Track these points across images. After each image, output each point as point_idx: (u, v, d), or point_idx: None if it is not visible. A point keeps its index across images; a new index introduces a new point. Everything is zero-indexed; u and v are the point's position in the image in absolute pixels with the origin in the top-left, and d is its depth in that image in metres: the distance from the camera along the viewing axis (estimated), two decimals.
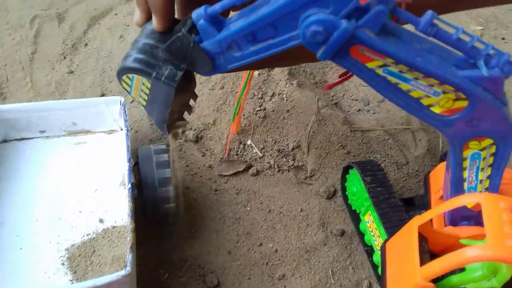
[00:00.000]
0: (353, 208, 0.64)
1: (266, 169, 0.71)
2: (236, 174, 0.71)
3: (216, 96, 0.76)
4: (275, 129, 0.73)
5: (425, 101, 0.41)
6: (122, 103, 0.65)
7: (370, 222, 0.58)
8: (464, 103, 0.39)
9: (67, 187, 0.60)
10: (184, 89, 0.43)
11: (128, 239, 0.47)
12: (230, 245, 0.62)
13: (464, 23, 1.08)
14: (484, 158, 0.44)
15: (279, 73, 0.79)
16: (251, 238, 0.63)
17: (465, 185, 0.46)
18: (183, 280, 0.57)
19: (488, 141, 0.42)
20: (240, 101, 0.67)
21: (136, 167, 0.59)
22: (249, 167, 0.71)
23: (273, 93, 0.77)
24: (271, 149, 0.72)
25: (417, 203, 0.62)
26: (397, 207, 0.56)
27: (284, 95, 0.76)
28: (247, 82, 0.64)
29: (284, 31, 0.37)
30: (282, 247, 0.62)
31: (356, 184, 0.62)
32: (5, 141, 0.66)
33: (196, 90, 0.81)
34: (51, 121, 0.67)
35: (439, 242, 0.46)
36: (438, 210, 0.43)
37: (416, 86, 0.40)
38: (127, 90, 0.44)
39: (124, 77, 0.42)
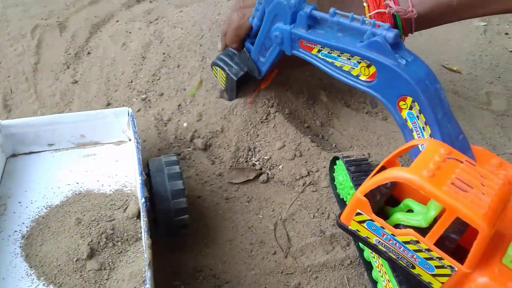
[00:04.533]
0: (340, 197, 0.66)
1: (276, 175, 0.71)
2: (246, 182, 0.70)
3: (222, 104, 0.76)
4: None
5: (353, 72, 0.53)
6: (130, 114, 0.65)
7: None
8: (375, 68, 0.50)
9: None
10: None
11: (145, 255, 0.46)
12: (244, 254, 0.62)
13: (468, 20, 1.07)
14: (417, 117, 0.50)
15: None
16: (264, 247, 0.62)
17: (420, 147, 0.50)
18: None
19: (409, 99, 0.49)
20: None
21: (147, 179, 0.59)
22: (259, 174, 0.71)
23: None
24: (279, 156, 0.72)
25: None
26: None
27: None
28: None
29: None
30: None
31: (342, 174, 0.64)
32: (14, 155, 0.66)
33: (202, 99, 0.80)
34: (60, 134, 0.66)
35: None
36: (393, 153, 0.48)
37: (343, 62, 0.53)
38: (215, 76, 0.75)
39: (213, 68, 0.73)
